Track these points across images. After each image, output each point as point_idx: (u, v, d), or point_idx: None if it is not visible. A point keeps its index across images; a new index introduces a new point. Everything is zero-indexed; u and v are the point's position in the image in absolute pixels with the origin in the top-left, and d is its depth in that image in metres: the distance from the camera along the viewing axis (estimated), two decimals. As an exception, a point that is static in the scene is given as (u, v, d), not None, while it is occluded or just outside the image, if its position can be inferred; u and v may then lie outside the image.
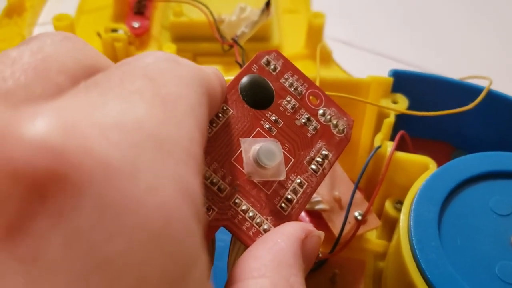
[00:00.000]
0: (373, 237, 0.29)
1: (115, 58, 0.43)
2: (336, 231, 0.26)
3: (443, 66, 0.43)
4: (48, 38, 0.15)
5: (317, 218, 0.27)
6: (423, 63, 0.45)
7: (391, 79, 0.30)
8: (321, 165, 0.21)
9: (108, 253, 0.10)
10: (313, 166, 0.21)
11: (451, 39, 0.49)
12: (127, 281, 0.10)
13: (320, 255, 0.27)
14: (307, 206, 0.26)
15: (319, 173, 0.21)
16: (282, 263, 0.16)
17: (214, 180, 0.19)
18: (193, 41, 0.45)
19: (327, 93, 0.23)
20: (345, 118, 0.22)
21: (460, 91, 0.31)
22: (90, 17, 0.48)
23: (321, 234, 0.19)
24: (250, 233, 0.19)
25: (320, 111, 0.22)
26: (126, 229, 0.11)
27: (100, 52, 0.16)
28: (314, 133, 0.22)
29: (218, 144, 0.19)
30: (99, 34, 0.43)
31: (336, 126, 0.22)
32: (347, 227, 0.26)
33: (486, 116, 0.31)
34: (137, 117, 0.12)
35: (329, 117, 0.22)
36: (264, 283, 0.15)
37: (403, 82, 0.31)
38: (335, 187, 0.28)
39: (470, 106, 0.28)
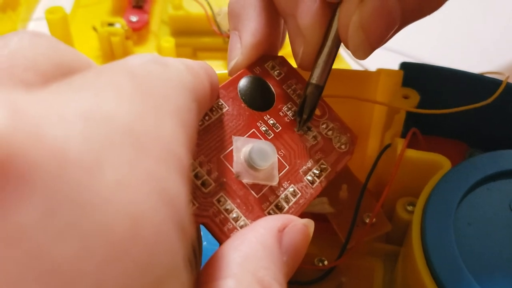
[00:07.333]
0: (383, 242, 0.28)
1: (112, 53, 0.42)
2: (343, 235, 0.25)
3: (456, 62, 0.41)
4: (16, 35, 0.14)
5: (322, 221, 0.26)
6: (435, 59, 0.44)
7: (401, 72, 0.29)
8: (318, 177, 0.20)
9: (56, 257, 0.09)
10: (309, 177, 0.20)
11: (464, 34, 0.47)
12: None
13: (326, 263, 0.26)
14: (312, 209, 0.25)
15: (315, 185, 0.20)
16: (249, 258, 0.15)
17: (199, 174, 0.18)
18: (193, 36, 0.45)
19: (331, 95, 0.22)
20: (348, 134, 0.22)
21: (476, 85, 0.29)
22: (87, 10, 0.48)
23: (308, 222, 0.18)
24: (232, 235, 0.17)
25: (323, 124, 0.22)
26: (80, 229, 0.09)
27: (77, 51, 0.15)
28: (313, 143, 0.21)
29: (208, 138, 0.18)
30: (94, 28, 0.42)
31: (338, 140, 0.22)
32: (355, 231, 0.25)
33: (504, 112, 0.29)
34: (109, 110, 0.11)
35: (331, 131, 0.22)
36: (228, 284, 0.14)
37: (414, 75, 0.29)
38: (341, 188, 0.26)
39: (488, 100, 0.26)
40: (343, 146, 0.21)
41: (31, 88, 0.11)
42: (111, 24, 0.43)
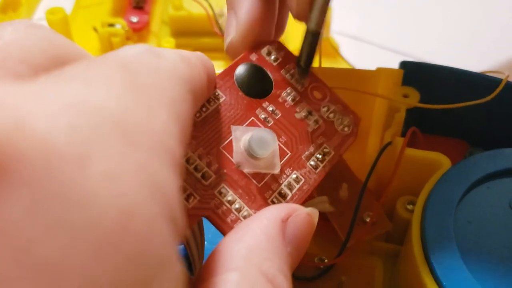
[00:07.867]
0: (383, 240, 0.28)
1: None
2: (343, 234, 0.25)
3: (456, 60, 0.41)
4: (10, 26, 0.14)
5: (322, 220, 0.25)
6: (434, 58, 0.44)
7: (401, 71, 0.29)
8: (321, 161, 0.20)
9: (44, 251, 0.09)
10: (312, 162, 0.20)
11: (464, 32, 0.47)
12: (67, 286, 0.09)
13: (326, 261, 0.26)
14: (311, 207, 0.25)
15: (318, 170, 0.20)
16: (253, 250, 0.15)
17: (199, 166, 0.17)
18: (194, 36, 0.45)
19: (332, 87, 0.22)
20: (351, 116, 0.21)
21: (476, 84, 0.29)
22: (88, 11, 0.47)
23: (312, 211, 0.17)
24: (235, 226, 0.17)
25: (324, 107, 0.21)
26: (68, 223, 0.09)
27: (73, 42, 0.15)
28: (315, 128, 0.21)
29: (206, 130, 0.18)
30: (95, 29, 0.42)
31: (341, 123, 0.21)
32: (356, 230, 0.25)
33: (504, 111, 0.29)
34: (98, 101, 0.11)
35: (333, 113, 0.21)
36: (232, 277, 0.14)
37: (414, 74, 0.29)
38: (342, 187, 0.26)
39: (487, 98, 0.26)
40: (346, 128, 0.21)
41: (21, 80, 0.11)
42: (111, 25, 0.43)
